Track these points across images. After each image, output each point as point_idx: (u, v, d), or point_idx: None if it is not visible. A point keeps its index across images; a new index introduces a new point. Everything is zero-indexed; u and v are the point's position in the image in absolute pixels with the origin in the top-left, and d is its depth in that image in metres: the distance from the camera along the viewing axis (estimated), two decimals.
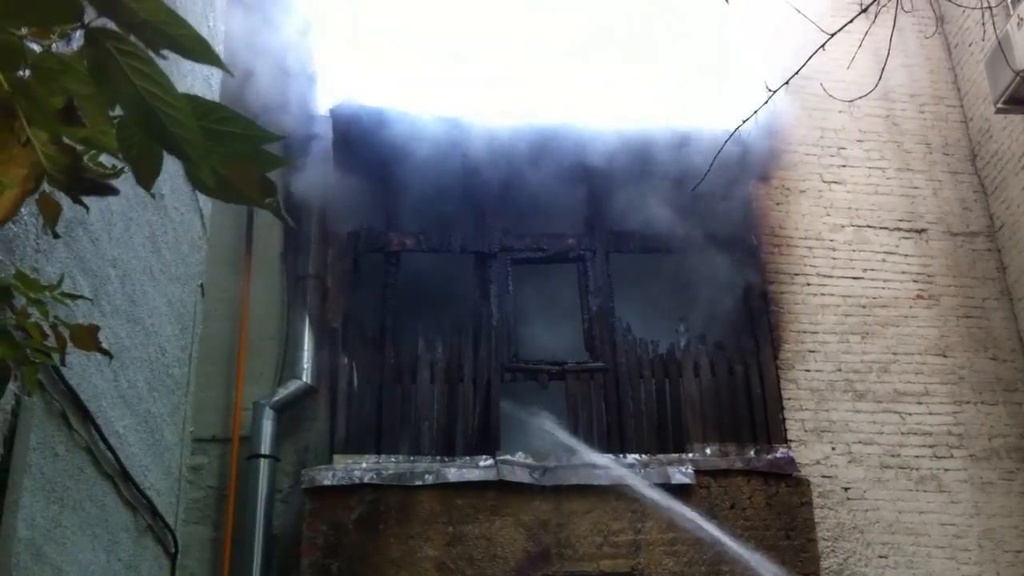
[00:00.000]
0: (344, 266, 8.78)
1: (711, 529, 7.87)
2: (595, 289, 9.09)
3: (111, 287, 5.09)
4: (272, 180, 1.72)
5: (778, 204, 9.59)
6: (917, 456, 8.74)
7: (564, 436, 8.30)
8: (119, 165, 1.67)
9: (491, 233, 9.17)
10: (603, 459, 8.14)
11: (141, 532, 5.88)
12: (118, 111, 1.51)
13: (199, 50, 1.50)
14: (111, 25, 1.42)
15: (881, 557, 8.30)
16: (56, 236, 2.41)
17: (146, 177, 1.58)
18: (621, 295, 9.20)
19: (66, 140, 1.52)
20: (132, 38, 1.43)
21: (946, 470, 8.73)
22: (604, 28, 9.38)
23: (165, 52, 1.51)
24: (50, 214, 1.98)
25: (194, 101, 1.52)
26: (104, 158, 1.68)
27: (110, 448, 5.07)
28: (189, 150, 1.46)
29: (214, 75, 7.26)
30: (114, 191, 1.60)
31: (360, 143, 8.90)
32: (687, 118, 9.25)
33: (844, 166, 9.88)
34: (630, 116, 9.28)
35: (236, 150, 1.55)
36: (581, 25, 9.40)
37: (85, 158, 1.65)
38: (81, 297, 4.10)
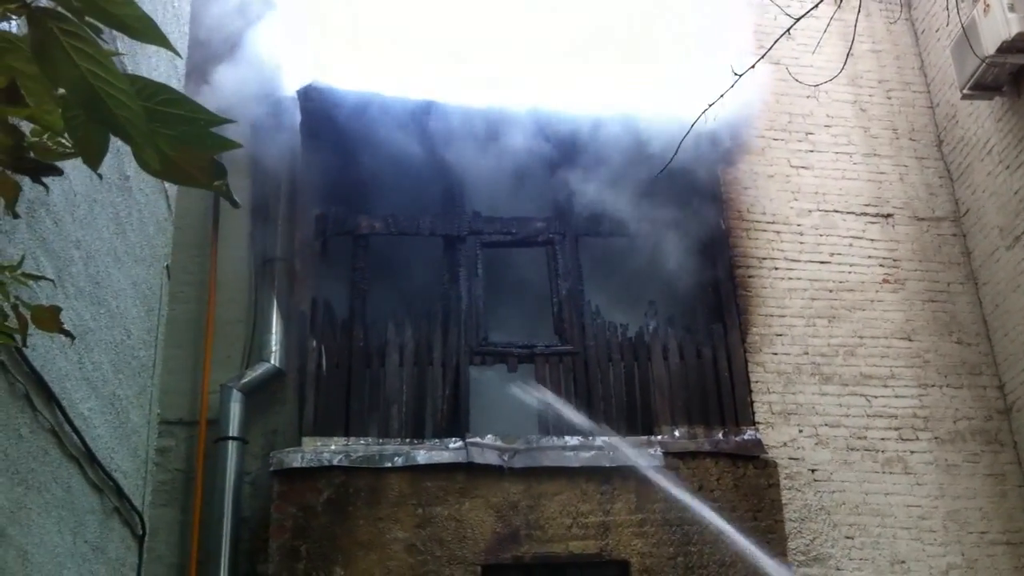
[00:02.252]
0: (312, 249, 8.75)
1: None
2: (564, 273, 9.11)
3: (75, 268, 5.05)
4: (221, 163, 1.71)
5: (746, 189, 9.63)
6: (883, 438, 8.83)
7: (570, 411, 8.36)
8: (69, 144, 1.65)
9: (460, 216, 9.17)
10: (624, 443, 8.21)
11: (108, 514, 5.86)
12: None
13: (144, 29, 1.49)
14: (54, 5, 1.41)
15: (847, 538, 8.40)
16: (16, 216, 2.39)
17: (92, 157, 1.57)
18: (590, 279, 9.22)
19: (9, 120, 1.51)
20: (78, 18, 1.41)
21: (912, 452, 8.83)
22: (605, 28, 9.33)
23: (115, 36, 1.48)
24: (9, 195, 1.96)
25: (139, 82, 1.51)
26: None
27: (75, 430, 5.04)
28: (133, 132, 1.45)
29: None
30: (57, 172, 1.60)
31: (328, 125, 8.85)
32: (658, 103, 9.25)
33: (812, 151, 9.94)
34: (600, 101, 9.27)
35: (183, 132, 1.54)
36: (581, 24, 9.34)
37: (44, 137, 1.63)
38: (42, 278, 4.07)
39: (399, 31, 9.03)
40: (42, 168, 1.58)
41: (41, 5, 1.41)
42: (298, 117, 8.89)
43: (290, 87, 8.94)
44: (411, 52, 8.98)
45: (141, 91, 1.48)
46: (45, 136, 1.56)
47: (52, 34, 1.40)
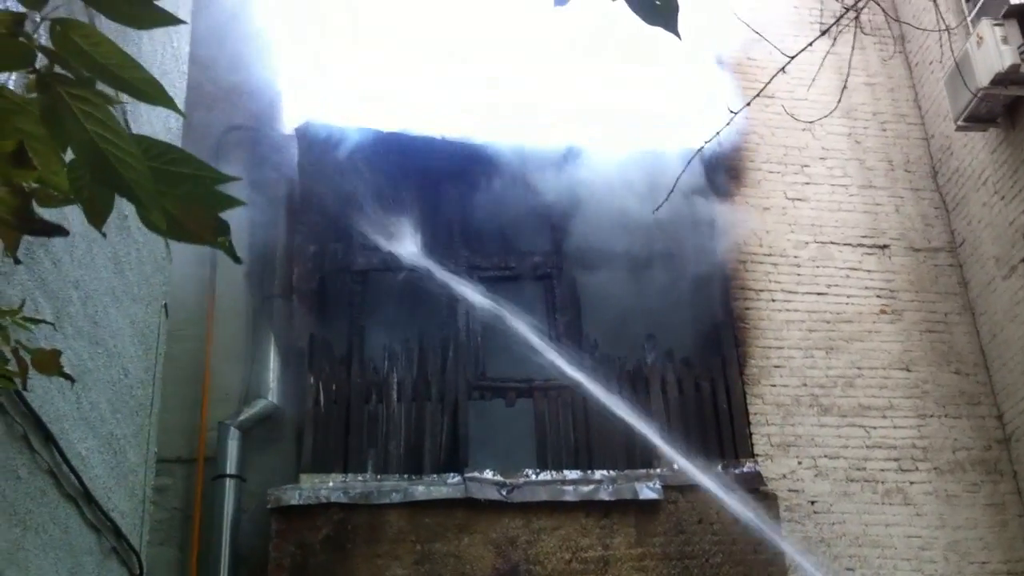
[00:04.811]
0: (310, 285, 8.75)
1: None
2: (562, 306, 9.11)
3: (73, 309, 5.04)
4: (225, 219, 1.72)
5: (743, 221, 9.66)
6: (882, 469, 8.81)
7: None
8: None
9: (458, 252, 9.18)
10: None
11: (105, 554, 5.82)
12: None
13: (152, 92, 1.51)
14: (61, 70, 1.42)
15: (848, 570, 8.36)
16: (18, 262, 2.39)
17: (97, 218, 1.59)
18: (588, 312, 9.22)
19: (15, 181, 1.53)
20: (87, 83, 1.43)
21: (911, 483, 8.80)
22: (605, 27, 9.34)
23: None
24: (11, 242, 1.96)
25: (145, 143, 1.53)
26: None
27: (73, 470, 5.01)
28: (140, 193, 1.47)
29: (178, 96, 7.23)
30: (64, 232, 1.61)
31: (326, 162, 8.88)
32: (656, 136, 9.30)
33: (808, 183, 9.97)
34: (599, 134, 9.30)
35: (188, 191, 1.56)
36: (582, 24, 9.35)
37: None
38: (43, 322, 4.06)
39: (397, 45, 9.04)
40: (50, 228, 1.59)
41: (48, 71, 1.43)
42: (295, 154, 8.92)
43: (288, 124, 8.98)
44: (410, 87, 9.00)
45: (147, 151, 1.50)
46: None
47: (60, 98, 1.42)
